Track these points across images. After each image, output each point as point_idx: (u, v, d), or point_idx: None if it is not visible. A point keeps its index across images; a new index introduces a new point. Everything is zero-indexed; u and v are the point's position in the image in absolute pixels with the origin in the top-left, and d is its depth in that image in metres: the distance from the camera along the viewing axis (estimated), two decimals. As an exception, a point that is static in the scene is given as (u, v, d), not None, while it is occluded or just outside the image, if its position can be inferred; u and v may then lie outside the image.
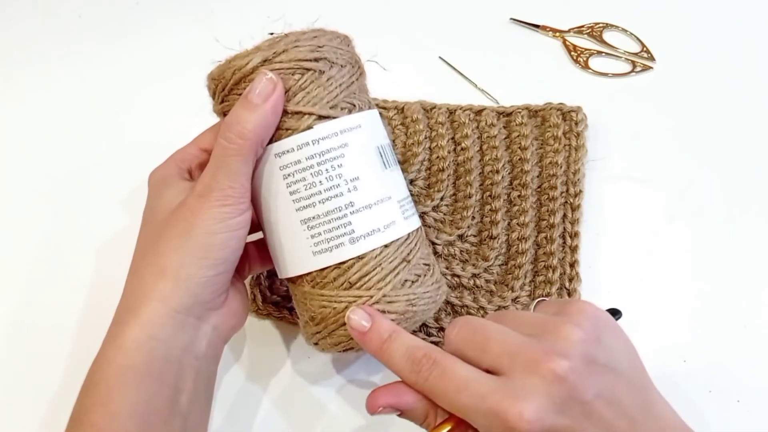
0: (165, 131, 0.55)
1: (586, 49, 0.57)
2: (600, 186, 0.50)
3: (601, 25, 0.59)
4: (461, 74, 0.57)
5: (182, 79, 0.58)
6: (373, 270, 0.36)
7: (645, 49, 0.57)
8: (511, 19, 0.60)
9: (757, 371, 0.43)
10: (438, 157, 0.49)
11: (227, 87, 0.36)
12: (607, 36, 0.58)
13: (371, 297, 0.35)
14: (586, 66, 0.56)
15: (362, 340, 0.35)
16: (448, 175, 0.49)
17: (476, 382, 0.31)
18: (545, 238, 0.47)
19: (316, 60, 0.35)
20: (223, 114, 0.37)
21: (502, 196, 0.48)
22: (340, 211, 0.35)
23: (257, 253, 0.42)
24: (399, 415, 0.34)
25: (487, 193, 0.48)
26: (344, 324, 0.35)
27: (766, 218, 0.48)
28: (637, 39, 0.57)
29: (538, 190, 0.49)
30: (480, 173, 0.49)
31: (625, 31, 0.58)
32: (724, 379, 0.43)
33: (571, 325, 0.32)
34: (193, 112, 0.57)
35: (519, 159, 0.49)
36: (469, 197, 0.48)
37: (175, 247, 0.34)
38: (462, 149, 0.50)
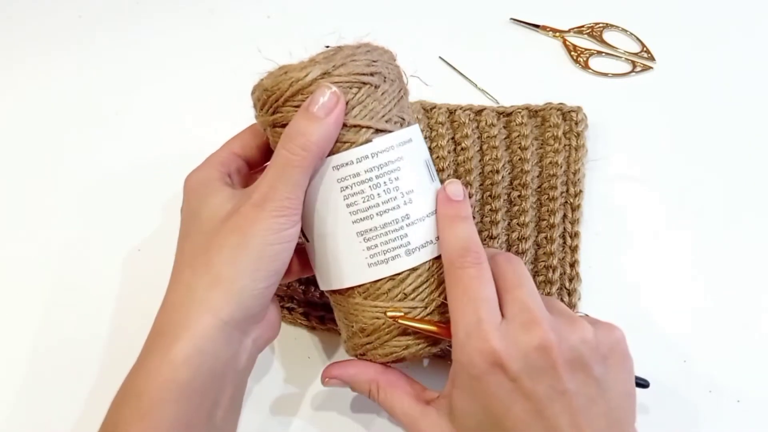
0: (165, 131, 0.55)
1: (586, 49, 0.57)
2: (600, 186, 0.50)
3: (601, 25, 0.59)
4: (461, 74, 0.57)
5: (183, 79, 0.58)
6: (427, 281, 0.36)
7: (645, 49, 0.57)
8: (511, 19, 0.60)
9: (757, 371, 0.43)
10: (438, 157, 0.49)
11: (282, 98, 0.35)
12: (607, 36, 0.58)
13: (425, 308, 0.36)
14: (586, 66, 0.56)
15: (453, 205, 0.37)
16: (448, 175, 0.49)
17: (489, 304, 0.33)
18: (545, 238, 0.47)
19: (372, 74, 0.35)
20: (273, 125, 0.36)
21: (502, 196, 0.48)
22: (397, 223, 0.35)
23: (297, 262, 0.40)
24: (352, 389, 0.38)
25: (487, 193, 0.48)
26: (397, 335, 0.36)
27: (766, 218, 0.48)
28: (637, 39, 0.57)
29: (538, 190, 0.49)
30: (480, 173, 0.49)
31: (625, 31, 0.58)
32: (724, 379, 0.42)
33: (590, 328, 0.32)
34: (193, 111, 0.57)
35: (519, 159, 0.49)
36: (469, 197, 0.48)
37: (228, 258, 0.33)
38: (462, 149, 0.50)
